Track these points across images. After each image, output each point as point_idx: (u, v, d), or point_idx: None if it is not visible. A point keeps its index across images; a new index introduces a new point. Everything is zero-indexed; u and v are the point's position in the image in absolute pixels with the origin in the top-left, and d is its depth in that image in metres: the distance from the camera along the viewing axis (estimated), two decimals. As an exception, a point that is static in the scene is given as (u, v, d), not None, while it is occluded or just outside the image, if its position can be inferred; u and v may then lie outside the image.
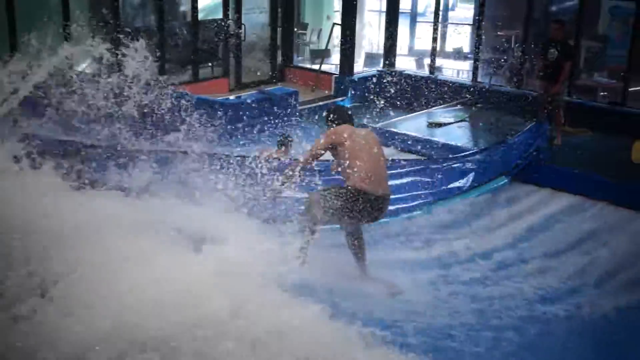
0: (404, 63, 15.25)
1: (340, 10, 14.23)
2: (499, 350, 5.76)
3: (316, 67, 14.34)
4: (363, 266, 6.67)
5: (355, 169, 6.09)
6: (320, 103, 13.25)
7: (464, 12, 18.72)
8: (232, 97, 12.46)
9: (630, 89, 12.15)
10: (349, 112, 6.69)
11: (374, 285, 6.55)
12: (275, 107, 11.93)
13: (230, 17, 13.40)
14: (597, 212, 8.97)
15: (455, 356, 5.53)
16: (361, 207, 6.12)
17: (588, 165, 9.78)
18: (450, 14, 19.21)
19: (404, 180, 8.88)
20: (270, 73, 14.49)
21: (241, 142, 10.37)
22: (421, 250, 7.99)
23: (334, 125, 6.41)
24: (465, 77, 14.26)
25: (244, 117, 11.44)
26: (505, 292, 7.19)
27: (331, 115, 6.51)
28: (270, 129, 11.46)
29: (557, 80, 10.59)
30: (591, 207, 9.04)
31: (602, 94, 13.07)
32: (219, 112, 11.14)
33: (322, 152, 6.26)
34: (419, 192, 8.92)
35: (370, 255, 6.86)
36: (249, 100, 11.94)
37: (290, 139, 8.97)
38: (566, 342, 6.28)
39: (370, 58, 15.46)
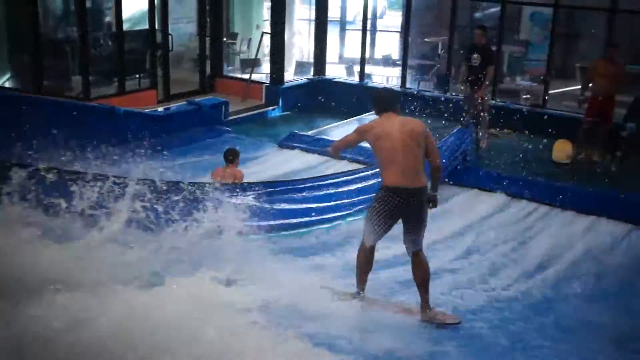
0: (335, 71, 15.39)
1: (270, 19, 14.23)
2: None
3: (246, 76, 14.33)
4: (424, 297, 6.31)
5: (383, 167, 6.05)
6: (251, 113, 13.29)
7: (393, 20, 19.00)
8: (160, 109, 12.38)
9: (550, 92, 12.55)
10: (391, 98, 6.31)
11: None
12: (204, 118, 11.92)
13: (156, 27, 13.28)
14: (522, 210, 9.19)
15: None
16: (395, 204, 5.99)
17: (512, 166, 10.03)
18: (379, 21, 19.48)
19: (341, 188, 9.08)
20: (199, 83, 14.41)
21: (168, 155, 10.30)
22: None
23: (377, 113, 6.24)
24: (394, 84, 14.45)
25: (173, 129, 11.38)
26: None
27: (374, 103, 6.26)
28: (200, 140, 11.48)
29: (481, 84, 10.86)
30: (516, 204, 9.26)
31: (525, 96, 13.44)
32: (146, 125, 11.13)
33: (351, 144, 6.37)
34: (350, 200, 9.02)
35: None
36: (177, 112, 11.88)
37: (237, 151, 8.99)
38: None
39: (301, 66, 15.53)
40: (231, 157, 8.88)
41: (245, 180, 9.12)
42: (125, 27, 12.94)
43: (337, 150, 6.60)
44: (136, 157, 10.30)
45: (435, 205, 6.19)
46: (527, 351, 6.17)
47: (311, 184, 8.92)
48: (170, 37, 13.39)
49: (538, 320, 6.74)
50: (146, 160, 10.29)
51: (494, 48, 12.01)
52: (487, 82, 10.96)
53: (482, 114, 10.94)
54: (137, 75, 13.30)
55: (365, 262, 6.35)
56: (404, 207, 5.99)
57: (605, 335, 6.50)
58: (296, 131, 11.69)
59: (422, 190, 6.05)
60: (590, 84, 10.47)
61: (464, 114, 11.19)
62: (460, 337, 6.21)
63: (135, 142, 10.70)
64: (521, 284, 7.41)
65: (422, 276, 6.24)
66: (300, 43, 16.75)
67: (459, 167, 10.08)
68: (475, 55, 10.94)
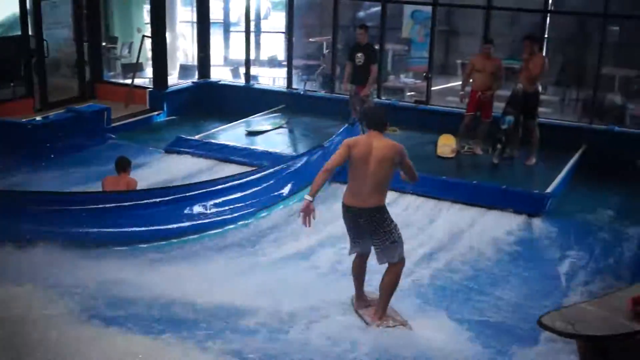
0: (220, 73, 15.20)
1: (150, 22, 13.90)
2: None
3: (129, 81, 13.94)
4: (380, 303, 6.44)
5: (348, 184, 6.28)
6: (136, 118, 12.94)
7: (278, 20, 18.98)
8: (38, 118, 11.87)
9: (433, 88, 12.86)
10: (379, 120, 6.34)
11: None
12: (86, 126, 11.52)
13: (30, 33, 12.71)
14: (409, 204, 9.36)
15: None
16: (349, 220, 6.31)
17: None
18: (264, 22, 19.41)
19: (229, 194, 8.91)
20: (79, 90, 13.91)
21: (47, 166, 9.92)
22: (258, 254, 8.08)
23: (366, 127, 6.41)
24: (281, 85, 14.43)
25: (53, 138, 10.95)
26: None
27: (365, 118, 6.51)
28: (83, 149, 11.09)
29: (365, 83, 10.99)
30: (403, 199, 9.41)
31: (409, 94, 13.72)
32: (24, 136, 10.66)
33: (337, 164, 6.19)
34: (242, 203, 8.93)
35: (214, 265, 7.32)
36: (56, 120, 11.42)
37: (128, 159, 8.74)
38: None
39: (186, 70, 15.24)
40: (123, 166, 8.63)
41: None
42: (-4, 33, 12.39)
43: (332, 171, 6.23)
44: (11, 170, 10.00)
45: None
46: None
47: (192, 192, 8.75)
48: (45, 42, 12.84)
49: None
50: (24, 172, 10.01)
51: (377, 46, 12.16)
52: (371, 81, 11.10)
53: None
54: (11, 84, 12.70)
55: (355, 271, 6.59)
56: (356, 224, 6.27)
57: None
58: (182, 136, 11.47)
59: (372, 210, 6.19)
60: (470, 80, 10.80)
61: (350, 113, 11.31)
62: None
63: (12, 154, 10.32)
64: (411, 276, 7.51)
65: (386, 285, 6.36)
66: (184, 46, 16.45)
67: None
68: (359, 54, 11.06)
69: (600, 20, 11.53)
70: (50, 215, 7.70)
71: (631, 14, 13.79)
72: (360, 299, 6.64)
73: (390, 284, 6.32)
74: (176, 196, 8.49)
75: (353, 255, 6.56)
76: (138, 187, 8.75)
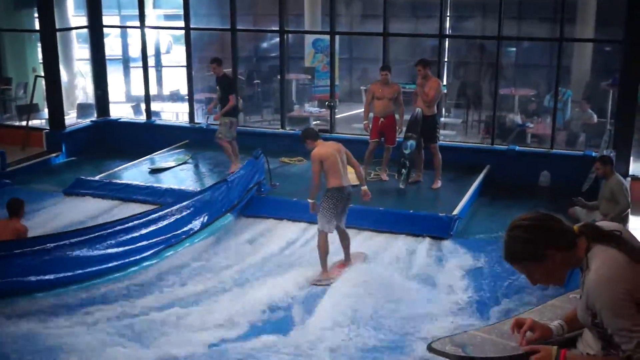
0: (122, 110, 14.86)
1: (42, 61, 13.46)
2: None
3: (24, 123, 13.43)
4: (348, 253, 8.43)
5: (332, 174, 8.01)
6: (33, 161, 12.45)
7: (180, 55, 18.72)
8: None
9: (338, 116, 12.90)
10: (316, 132, 8.61)
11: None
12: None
13: None
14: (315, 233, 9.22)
15: None
16: (343, 198, 8.08)
17: (305, 192, 10.06)
18: (166, 56, 19.19)
19: (132, 234, 8.55)
20: (-28, 135, 13.33)
21: None
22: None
23: (310, 142, 8.18)
24: (184, 120, 14.19)
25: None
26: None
27: (305, 136, 8.28)
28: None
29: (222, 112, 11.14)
30: (311, 229, 9.27)
31: (314, 122, 13.73)
32: None
33: (319, 172, 8.04)
34: (148, 242, 8.63)
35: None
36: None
37: (21, 201, 8.30)
38: None
39: (84, 108, 14.78)
40: (14, 208, 8.15)
41: (30, 233, 8.48)
42: None
43: (318, 188, 8.14)
44: None
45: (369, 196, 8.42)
46: None
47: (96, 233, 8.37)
48: None
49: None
50: None
51: (229, 75, 12.05)
52: (227, 109, 11.11)
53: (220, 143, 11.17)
54: None
55: (326, 247, 8.11)
56: (346, 199, 8.18)
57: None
58: (82, 177, 11.09)
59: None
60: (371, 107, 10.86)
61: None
62: None
63: None
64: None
65: (347, 240, 8.41)
66: (82, 84, 16.01)
67: (253, 197, 10.06)
68: (217, 87, 11.26)
69: (494, 42, 11.80)
70: None
71: (524, 36, 14.36)
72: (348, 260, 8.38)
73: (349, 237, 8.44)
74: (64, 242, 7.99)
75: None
76: (34, 233, 8.37)
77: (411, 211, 9.48)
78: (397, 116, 10.68)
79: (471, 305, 7.32)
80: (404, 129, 10.63)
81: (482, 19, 14.85)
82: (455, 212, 9.41)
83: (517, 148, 11.56)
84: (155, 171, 11.67)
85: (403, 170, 10.41)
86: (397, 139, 10.80)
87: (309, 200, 8.24)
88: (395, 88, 10.62)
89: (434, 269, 8.31)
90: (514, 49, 14.98)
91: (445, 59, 13.98)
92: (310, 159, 8.15)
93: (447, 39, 13.81)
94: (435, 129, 10.51)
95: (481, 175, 10.91)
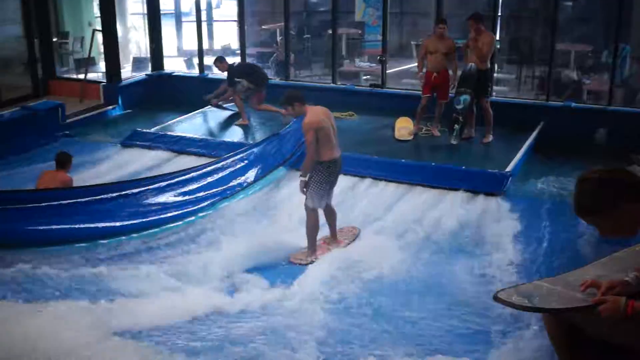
0: (174, 64, 15.03)
1: (100, 15, 13.66)
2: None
3: (82, 76, 13.71)
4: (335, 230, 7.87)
5: (326, 144, 7.28)
6: (91, 113, 12.75)
7: (230, 9, 18.77)
8: (-10, 117, 11.64)
9: (389, 71, 12.85)
10: (300, 94, 7.49)
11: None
12: (40, 123, 11.32)
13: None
14: (368, 188, 9.33)
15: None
16: (336, 171, 7.53)
17: (357, 146, 10.15)
18: (216, 11, 19.23)
19: (190, 185, 8.82)
20: (32, 87, 13.65)
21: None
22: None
23: (298, 105, 7.28)
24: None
25: (6, 137, 10.76)
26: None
27: (294, 99, 7.29)
28: (37, 147, 10.91)
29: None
30: (362, 183, 9.39)
31: (364, 77, 13.70)
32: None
33: (314, 142, 7.20)
34: (204, 193, 8.84)
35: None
36: (10, 119, 11.21)
37: (68, 155, 8.52)
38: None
39: (139, 62, 15.03)
40: (62, 161, 8.41)
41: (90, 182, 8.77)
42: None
43: (314, 160, 7.33)
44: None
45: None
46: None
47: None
48: (-7, 41, 12.63)
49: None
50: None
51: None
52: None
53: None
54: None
55: (328, 217, 7.73)
56: (337, 172, 7.60)
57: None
58: (138, 129, 11.32)
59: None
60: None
61: None
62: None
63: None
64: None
65: (334, 217, 7.81)
66: (136, 38, 16.21)
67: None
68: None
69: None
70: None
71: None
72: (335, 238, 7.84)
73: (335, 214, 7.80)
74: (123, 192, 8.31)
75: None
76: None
77: (463, 167, 9.45)
78: (450, 72, 10.61)
79: (523, 264, 7.29)
80: (457, 84, 10.55)
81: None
82: (508, 169, 9.36)
83: (573, 104, 11.39)
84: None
85: (456, 126, 10.36)
86: (450, 94, 10.74)
87: (301, 178, 7.43)
88: (450, 43, 10.51)
89: (485, 226, 8.27)
90: (570, 2, 14.61)
91: (498, 13, 13.73)
92: (303, 128, 7.29)
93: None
94: (488, 84, 10.43)
95: (535, 132, 10.76)
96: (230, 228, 8.26)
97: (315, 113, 7.26)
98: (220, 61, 11.95)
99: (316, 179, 7.39)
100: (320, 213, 7.63)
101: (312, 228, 7.53)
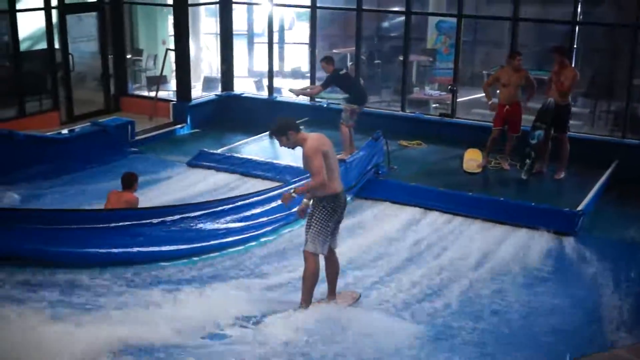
0: (244, 85, 15.12)
1: (173, 34, 13.87)
2: None
3: (153, 94, 13.93)
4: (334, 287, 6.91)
5: (330, 175, 6.39)
6: (159, 131, 12.92)
7: (302, 31, 18.89)
8: (64, 131, 11.90)
9: (459, 100, 12.64)
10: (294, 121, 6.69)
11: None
12: (110, 139, 11.51)
13: (56, 46, 12.77)
14: (433, 221, 9.16)
15: None
16: (341, 206, 6.58)
17: (424, 177, 10.00)
18: (289, 33, 19.34)
19: (253, 210, 8.83)
20: (104, 103, 13.94)
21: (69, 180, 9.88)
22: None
23: (293, 134, 6.44)
24: (303, 98, 14.25)
25: (77, 151, 10.98)
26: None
27: (283, 129, 6.46)
28: (105, 163, 11.09)
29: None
30: (429, 216, 9.24)
31: (434, 106, 13.52)
32: (48, 149, 10.68)
33: (323, 166, 6.32)
34: (267, 218, 8.84)
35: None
36: (81, 134, 11.43)
37: (134, 175, 8.56)
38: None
39: (210, 82, 15.18)
40: (128, 182, 8.40)
41: (152, 203, 8.82)
42: (23, 47, 12.45)
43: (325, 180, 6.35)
44: (34, 182, 10.03)
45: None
46: None
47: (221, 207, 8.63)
48: (70, 56, 12.93)
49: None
50: (45, 186, 10.03)
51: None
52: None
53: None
54: (38, 97, 12.78)
55: (331, 268, 6.81)
56: (343, 207, 6.62)
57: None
58: (205, 149, 11.40)
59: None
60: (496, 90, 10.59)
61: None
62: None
63: (36, 167, 10.34)
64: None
65: (337, 270, 6.87)
66: (208, 58, 16.41)
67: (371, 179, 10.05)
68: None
69: (630, 30, 11.22)
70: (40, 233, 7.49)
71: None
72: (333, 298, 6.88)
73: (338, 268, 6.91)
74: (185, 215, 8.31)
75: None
76: (159, 202, 8.66)
77: (532, 203, 9.18)
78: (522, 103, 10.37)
79: (596, 310, 6.99)
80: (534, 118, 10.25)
81: (615, 4, 14.11)
82: (581, 207, 9.05)
83: (651, 143, 10.99)
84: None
85: (527, 160, 10.10)
86: (522, 127, 10.47)
87: (305, 201, 6.58)
88: (523, 74, 10.28)
89: (558, 267, 8.01)
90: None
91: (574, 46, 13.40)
92: (307, 153, 6.33)
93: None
94: (567, 119, 10.14)
95: (609, 170, 10.42)
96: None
97: (317, 138, 6.45)
98: (327, 62, 10.89)
99: (319, 217, 6.45)
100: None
101: (310, 277, 6.54)
